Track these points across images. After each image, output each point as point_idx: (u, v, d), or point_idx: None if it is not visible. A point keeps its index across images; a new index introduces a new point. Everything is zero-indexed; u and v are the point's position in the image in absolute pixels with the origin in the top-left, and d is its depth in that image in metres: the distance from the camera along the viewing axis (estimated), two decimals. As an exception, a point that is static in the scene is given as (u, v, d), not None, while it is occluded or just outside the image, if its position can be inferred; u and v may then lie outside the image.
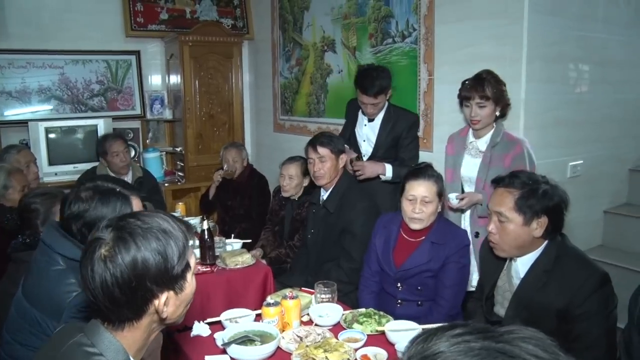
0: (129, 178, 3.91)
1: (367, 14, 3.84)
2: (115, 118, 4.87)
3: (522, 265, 2.02)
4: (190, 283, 1.24)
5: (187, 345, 2.04)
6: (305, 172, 3.46)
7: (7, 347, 1.69)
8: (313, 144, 3.03)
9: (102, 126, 4.54)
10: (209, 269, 2.82)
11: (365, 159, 3.30)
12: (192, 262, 1.24)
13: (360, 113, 3.38)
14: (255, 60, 5.46)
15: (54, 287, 1.64)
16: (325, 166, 3.00)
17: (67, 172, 4.43)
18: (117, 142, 3.89)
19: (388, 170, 3.18)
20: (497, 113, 2.70)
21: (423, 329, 2.04)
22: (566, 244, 2.01)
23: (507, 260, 2.09)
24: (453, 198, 2.70)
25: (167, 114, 5.20)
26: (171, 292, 1.18)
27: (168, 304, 1.18)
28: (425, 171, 2.42)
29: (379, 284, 2.59)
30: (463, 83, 2.79)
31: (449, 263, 2.38)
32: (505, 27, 2.90)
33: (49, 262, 1.69)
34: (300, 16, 4.61)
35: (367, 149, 3.35)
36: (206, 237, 2.87)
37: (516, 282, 2.03)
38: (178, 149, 5.13)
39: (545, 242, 1.98)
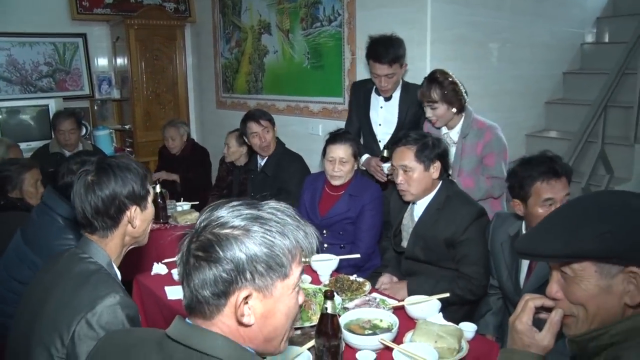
0: None
1: (298, 0, 4.26)
2: (65, 98, 5.09)
3: (420, 206, 2.52)
4: (150, 206, 1.67)
5: (148, 281, 2.47)
6: (242, 142, 3.84)
7: (6, 284, 2.08)
8: (255, 118, 3.44)
9: (53, 106, 4.75)
10: (162, 226, 3.24)
11: (382, 144, 3.13)
12: (151, 192, 1.67)
13: (373, 95, 3.17)
14: (198, 42, 5.76)
15: (54, 240, 2.05)
16: (269, 135, 3.44)
17: (21, 150, 4.62)
18: (65, 122, 4.03)
19: None
20: (454, 110, 2.78)
21: (340, 259, 2.55)
22: (454, 188, 2.54)
23: (410, 204, 2.60)
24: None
25: (115, 94, 5.45)
26: (138, 208, 1.61)
27: (136, 217, 1.60)
28: (342, 136, 2.86)
29: (308, 233, 3.04)
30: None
31: (364, 212, 2.84)
32: (413, 14, 3.39)
33: (51, 222, 2.09)
34: (239, 1, 4.96)
35: (384, 132, 3.15)
36: (159, 199, 3.28)
37: (416, 219, 2.54)
38: (127, 127, 5.41)
39: (439, 184, 2.48)
